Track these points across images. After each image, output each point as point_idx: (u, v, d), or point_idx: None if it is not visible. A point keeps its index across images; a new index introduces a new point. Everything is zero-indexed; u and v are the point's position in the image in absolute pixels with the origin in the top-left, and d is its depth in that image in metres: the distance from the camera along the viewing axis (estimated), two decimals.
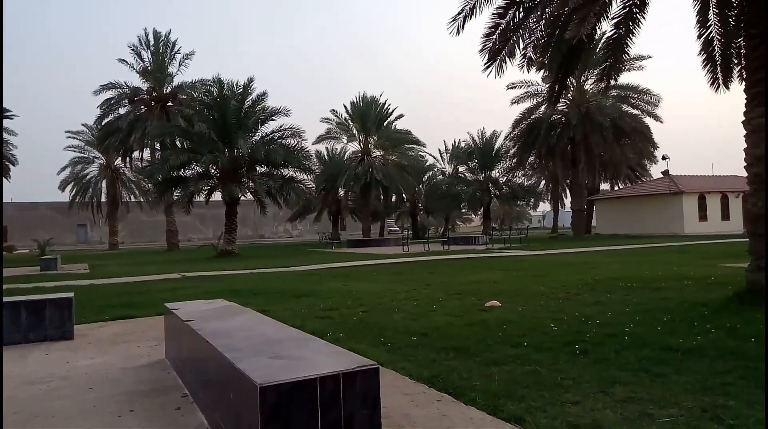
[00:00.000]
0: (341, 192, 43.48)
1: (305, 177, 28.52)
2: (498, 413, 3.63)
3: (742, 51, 8.66)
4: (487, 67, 9.19)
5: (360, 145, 42.19)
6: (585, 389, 4.08)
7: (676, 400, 3.75)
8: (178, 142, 29.77)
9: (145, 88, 37.09)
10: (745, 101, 7.72)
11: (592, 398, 3.87)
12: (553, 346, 5.45)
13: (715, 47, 9.83)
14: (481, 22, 9.25)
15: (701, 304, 7.45)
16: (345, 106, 42.17)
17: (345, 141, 42.90)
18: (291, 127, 27.03)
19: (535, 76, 33.86)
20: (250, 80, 26.15)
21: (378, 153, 42.02)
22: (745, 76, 7.99)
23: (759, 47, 7.56)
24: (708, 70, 10.12)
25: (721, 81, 10.11)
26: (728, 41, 9.55)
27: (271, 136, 27.10)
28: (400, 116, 42.61)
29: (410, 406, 3.85)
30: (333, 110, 42.09)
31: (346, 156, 42.93)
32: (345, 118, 42.02)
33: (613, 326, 6.26)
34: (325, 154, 44.16)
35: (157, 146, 34.91)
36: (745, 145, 7.72)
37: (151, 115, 35.60)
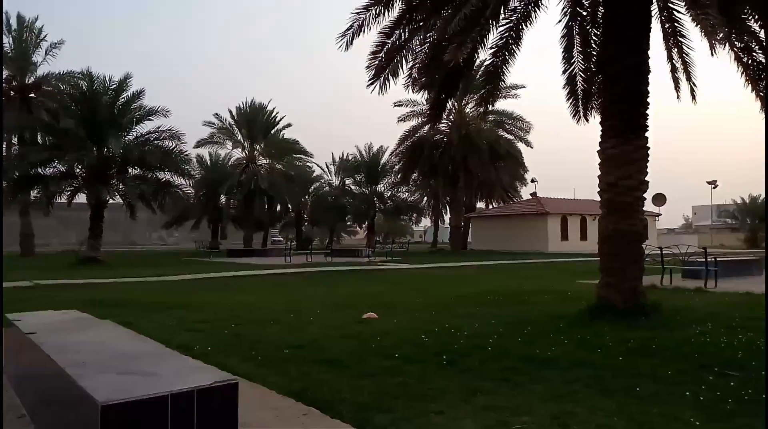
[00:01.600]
0: (223, 199, 41.93)
1: (183, 182, 27.16)
2: (364, 426, 3.64)
3: (601, 87, 9.59)
4: (371, 84, 9.36)
5: (245, 152, 41.05)
6: (449, 399, 4.23)
7: (530, 408, 3.99)
8: (39, 138, 27.06)
9: (3, 76, 33.38)
10: (601, 133, 8.52)
11: (455, 408, 4.01)
12: (423, 358, 5.60)
13: (578, 82, 10.79)
14: (369, 39, 9.41)
15: (558, 316, 8.06)
16: (230, 111, 40.85)
17: (229, 147, 41.48)
18: (170, 129, 25.68)
19: (421, 96, 35.07)
20: (127, 76, 24.56)
21: (264, 161, 41.13)
22: (601, 110, 8.83)
23: (614, 85, 8.41)
24: (571, 103, 11.07)
25: (582, 114, 11.10)
26: (590, 78, 10.53)
27: (147, 136, 25.56)
28: (289, 125, 42.03)
29: (275, 421, 3.74)
30: (216, 114, 40.56)
31: (230, 162, 41.54)
32: (230, 124, 40.66)
33: (479, 337, 6.57)
34: (208, 159, 42.44)
35: (15, 140, 31.47)
36: (600, 173, 8.52)
37: (10, 106, 32.07)
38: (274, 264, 23.22)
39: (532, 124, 38.65)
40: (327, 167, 46.84)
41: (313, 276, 17.25)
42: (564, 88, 10.91)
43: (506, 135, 38.41)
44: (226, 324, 7.77)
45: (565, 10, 9.94)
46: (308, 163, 44.36)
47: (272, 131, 41.30)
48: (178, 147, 25.87)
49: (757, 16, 8.58)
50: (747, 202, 50.22)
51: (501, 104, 37.26)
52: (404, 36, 9.24)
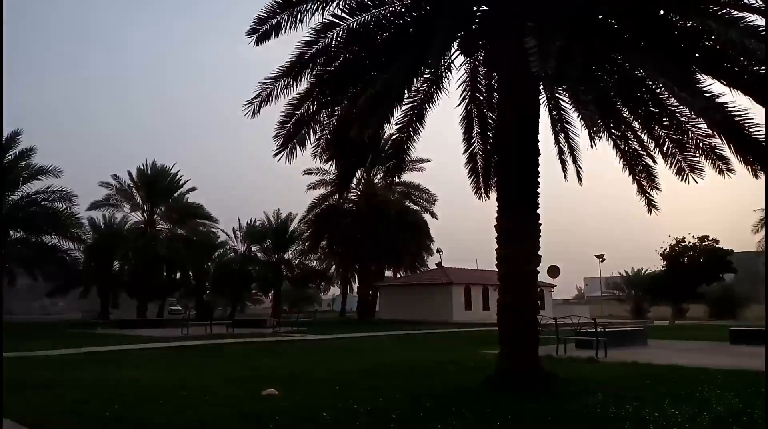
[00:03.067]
0: (117, 265, 39.34)
1: (72, 246, 25.32)
2: None
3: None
4: (279, 153, 9.39)
5: (144, 215, 39.08)
6: None
7: None
8: None
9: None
10: (497, 208, 8.96)
11: None
12: None
13: (478, 161, 11.44)
14: (278, 108, 9.49)
15: (461, 389, 8.11)
16: (130, 173, 38.98)
17: (127, 210, 39.34)
18: (61, 190, 24.18)
19: (330, 166, 35.56)
20: (16, 133, 23.10)
21: (165, 225, 39.34)
22: (497, 187, 9.35)
23: (507, 165, 8.96)
24: (472, 180, 11.67)
25: (482, 190, 11.70)
26: (488, 158, 11.19)
27: (35, 197, 23.84)
28: (193, 189, 40.74)
29: None
30: (115, 175, 38.43)
31: (127, 226, 39.32)
32: (129, 185, 38.74)
33: (382, 414, 6.42)
34: (102, 222, 39.94)
35: None
36: (497, 246, 8.89)
37: None
38: (169, 336, 21.78)
39: (438, 197, 40.33)
40: (234, 233, 45.61)
41: (212, 348, 16.33)
42: (466, 166, 11.52)
43: (413, 206, 39.68)
44: (108, 405, 7.07)
45: (464, 94, 10.67)
46: (213, 229, 42.96)
47: (175, 194, 39.85)
48: (69, 209, 24.37)
49: (631, 107, 9.61)
50: (631, 274, 54.30)
51: (408, 176, 38.57)
52: (313, 108, 9.44)
